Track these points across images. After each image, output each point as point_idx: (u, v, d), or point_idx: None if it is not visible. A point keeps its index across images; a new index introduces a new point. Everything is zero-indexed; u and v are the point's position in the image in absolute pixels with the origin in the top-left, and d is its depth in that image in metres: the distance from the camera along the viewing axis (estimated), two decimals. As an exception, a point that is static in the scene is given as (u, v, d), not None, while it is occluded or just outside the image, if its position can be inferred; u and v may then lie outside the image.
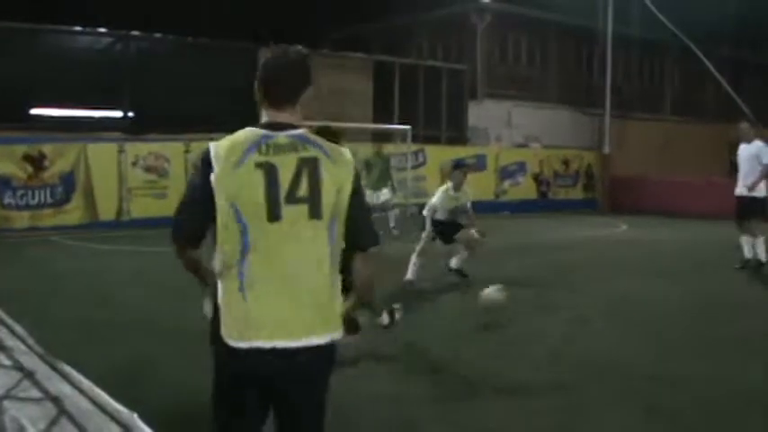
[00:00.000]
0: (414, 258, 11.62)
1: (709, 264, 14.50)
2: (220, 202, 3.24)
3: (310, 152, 3.39)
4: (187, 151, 21.13)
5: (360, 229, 3.47)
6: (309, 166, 3.35)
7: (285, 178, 3.29)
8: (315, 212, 3.30)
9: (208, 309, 3.39)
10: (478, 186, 25.97)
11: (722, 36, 37.34)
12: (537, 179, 29.62)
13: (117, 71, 21.69)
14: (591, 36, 32.31)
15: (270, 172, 3.28)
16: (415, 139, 25.93)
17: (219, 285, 3.28)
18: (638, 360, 7.51)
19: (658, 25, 29.55)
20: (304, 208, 3.30)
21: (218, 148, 3.32)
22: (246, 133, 3.39)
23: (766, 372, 6.97)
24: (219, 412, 3.41)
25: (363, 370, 6.96)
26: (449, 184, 12.04)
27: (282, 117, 3.50)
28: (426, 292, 11.22)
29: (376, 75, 26.60)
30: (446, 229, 11.97)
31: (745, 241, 13.47)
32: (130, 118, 21.96)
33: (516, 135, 31.20)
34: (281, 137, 3.40)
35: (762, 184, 13.19)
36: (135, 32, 22.23)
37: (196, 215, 3.35)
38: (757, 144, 13.32)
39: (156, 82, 21.75)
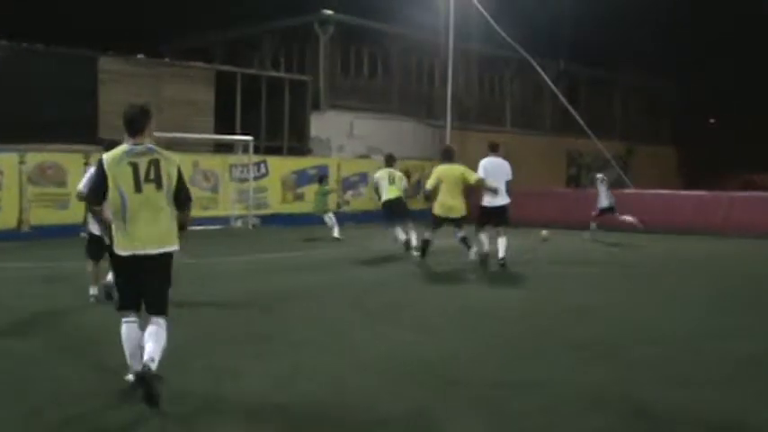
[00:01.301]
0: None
1: (549, 270, 15.16)
2: (110, 184, 6.51)
3: (155, 156, 6.64)
4: (22, 162, 20.69)
5: (180, 195, 6.79)
6: (155, 163, 6.62)
7: (143, 169, 6.57)
8: (159, 186, 6.63)
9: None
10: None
11: (559, 51, 38.88)
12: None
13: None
14: (433, 49, 33.10)
15: (135, 166, 6.56)
16: (256, 150, 26.21)
17: (113, 224, 6.60)
18: (483, 367, 7.73)
19: (498, 39, 30.49)
20: (153, 185, 6.60)
21: (107, 158, 6.58)
22: (122, 148, 6.64)
23: (607, 374, 7.39)
24: (117, 281, 6.94)
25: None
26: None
27: (137, 140, 6.66)
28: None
29: (218, 85, 26.62)
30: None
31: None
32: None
33: (359, 146, 31.68)
34: (139, 148, 6.62)
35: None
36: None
37: (99, 191, 6.60)
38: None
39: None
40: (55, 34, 25.83)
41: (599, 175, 23.33)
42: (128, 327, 6.70)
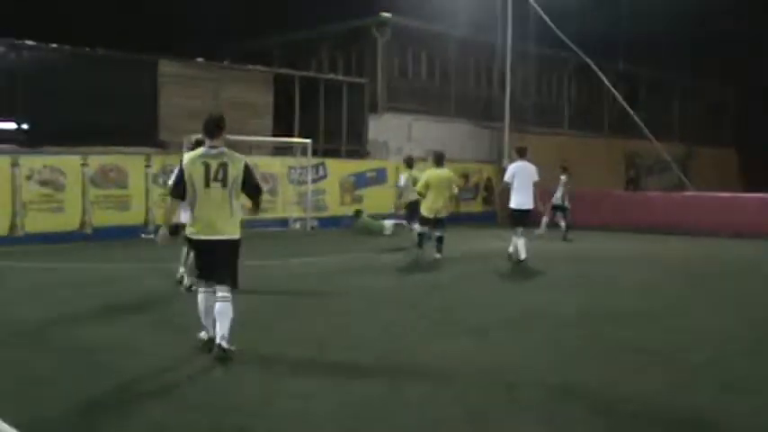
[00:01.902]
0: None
1: (608, 276, 15.07)
2: (186, 180, 8.01)
3: (224, 159, 8.11)
4: (84, 164, 20.95)
5: (249, 189, 8.27)
6: (223, 166, 8.05)
7: (213, 169, 8.00)
8: (224, 185, 8.03)
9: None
10: (379, 200, 26.42)
11: (618, 51, 38.50)
12: (437, 192, 30.00)
13: (10, 81, 21.19)
14: (490, 50, 33.00)
15: (207, 166, 8.00)
16: (315, 153, 26.26)
17: (189, 212, 8.18)
18: (538, 369, 7.72)
19: (556, 40, 30.31)
20: (219, 183, 8.02)
21: (187, 157, 8.18)
22: (200, 150, 8.23)
23: (664, 379, 7.32)
24: (196, 261, 8.53)
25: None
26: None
27: (213, 143, 8.18)
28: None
29: (276, 87, 26.74)
30: None
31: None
32: (24, 130, 21.41)
33: (417, 148, 31.58)
34: (213, 152, 8.13)
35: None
36: (29, 42, 21.85)
37: (181, 186, 8.08)
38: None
39: (53, 93, 21.38)
40: (116, 39, 26.12)
41: (563, 177, 23.59)
42: (203, 295, 8.33)
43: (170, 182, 10.64)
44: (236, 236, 8.19)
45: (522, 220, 16.77)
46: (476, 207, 31.67)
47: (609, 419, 6.12)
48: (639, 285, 13.84)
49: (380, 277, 14.45)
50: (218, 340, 7.94)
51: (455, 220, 29.27)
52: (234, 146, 23.51)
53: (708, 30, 41.57)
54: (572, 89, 40.33)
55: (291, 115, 27.25)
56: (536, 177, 16.78)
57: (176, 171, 8.21)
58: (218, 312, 8.00)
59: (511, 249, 16.77)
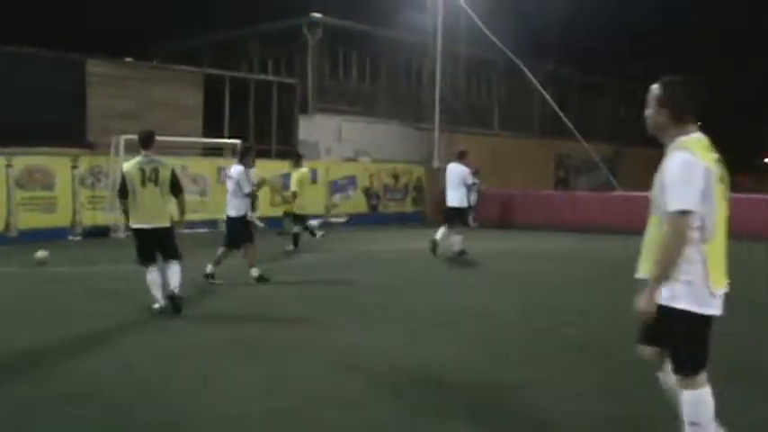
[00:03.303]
0: None
1: (535, 273, 15.34)
2: (128, 182, 10.29)
3: (156, 165, 10.34)
4: (9, 165, 20.69)
5: (174, 190, 10.51)
6: (155, 170, 10.30)
7: (147, 173, 10.24)
8: (155, 183, 10.28)
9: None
10: (310, 200, 26.48)
11: (548, 53, 39.09)
12: (367, 193, 30.31)
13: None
14: (421, 51, 33.30)
15: (142, 170, 10.25)
16: (245, 154, 26.17)
17: (131, 207, 10.40)
18: (474, 369, 7.79)
19: (486, 41, 30.67)
20: (152, 183, 10.26)
21: (127, 165, 10.46)
22: (138, 158, 10.35)
23: (603, 374, 7.56)
24: (139, 248, 10.56)
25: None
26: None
27: (146, 153, 10.39)
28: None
29: (206, 88, 26.74)
30: None
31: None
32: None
33: (347, 149, 31.84)
34: (146, 159, 10.32)
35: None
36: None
37: (124, 188, 10.35)
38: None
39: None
40: (43, 38, 25.90)
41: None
42: (151, 274, 10.44)
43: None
44: (168, 224, 10.60)
45: (449, 216, 18.09)
46: (406, 207, 31.93)
47: (546, 417, 6.29)
48: (574, 283, 14.10)
49: (306, 277, 14.51)
50: (172, 287, 10.34)
51: (385, 220, 29.64)
52: (163, 147, 23.58)
53: (635, 31, 42.40)
54: (502, 90, 40.83)
55: (221, 116, 27.28)
56: (467, 181, 18.26)
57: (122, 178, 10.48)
58: (173, 272, 10.40)
59: (437, 236, 17.85)
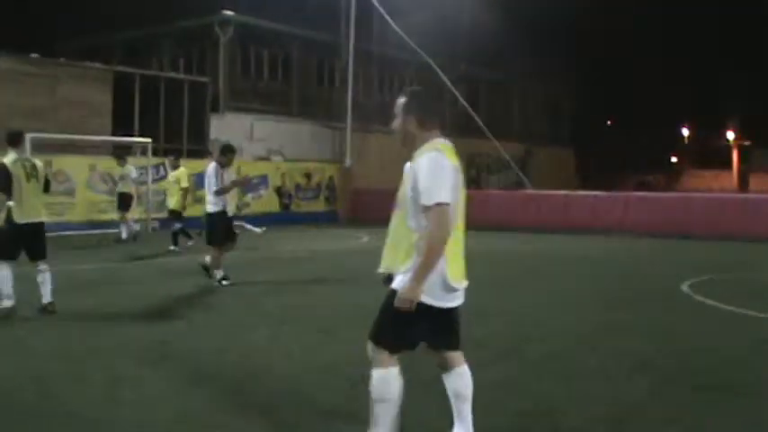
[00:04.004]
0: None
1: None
2: (14, 178, 10.14)
3: (32, 161, 10.70)
4: None
5: (46, 186, 10.85)
6: (33, 166, 10.54)
7: (28, 169, 10.37)
8: (36, 179, 10.45)
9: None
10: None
11: (460, 53, 39.52)
12: (279, 192, 30.38)
13: None
14: (333, 50, 33.48)
15: (24, 167, 10.36)
16: (155, 153, 26.07)
17: (17, 203, 10.15)
18: None
19: (399, 41, 30.95)
20: (34, 179, 10.41)
21: (8, 161, 10.19)
22: (14, 156, 10.37)
23: (505, 372, 7.71)
24: (9, 243, 10.18)
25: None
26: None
27: (18, 150, 10.58)
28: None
29: (116, 86, 26.52)
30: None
31: None
32: None
33: (258, 148, 31.83)
34: (23, 156, 10.79)
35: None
36: None
37: (6, 183, 10.10)
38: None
39: None
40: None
41: None
42: (5, 270, 10.24)
43: None
44: (45, 218, 10.94)
45: None
46: (318, 206, 32.07)
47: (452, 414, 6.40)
48: (485, 281, 14.32)
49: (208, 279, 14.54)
50: (49, 300, 10.43)
51: (297, 219, 29.73)
52: (71, 146, 23.34)
53: (545, 32, 43.06)
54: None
55: (131, 114, 27.08)
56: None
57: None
58: (45, 280, 10.47)
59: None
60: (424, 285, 4.90)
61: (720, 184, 68.49)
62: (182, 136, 28.85)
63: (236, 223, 23.60)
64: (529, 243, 21.68)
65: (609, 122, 69.47)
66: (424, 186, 4.83)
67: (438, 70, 32.20)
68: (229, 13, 31.22)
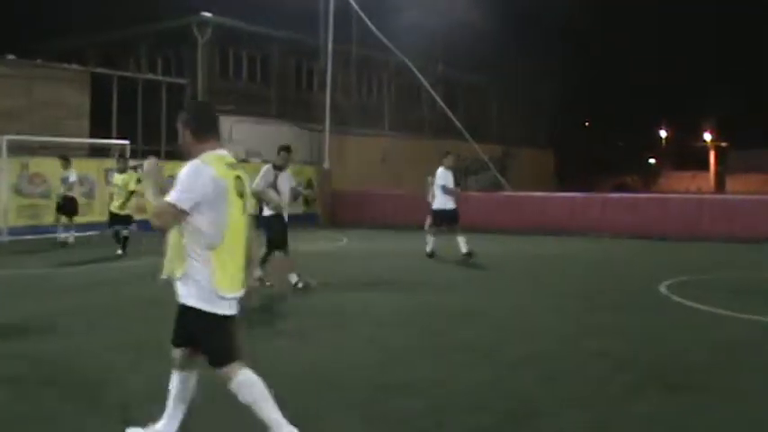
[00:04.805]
0: None
1: (429, 273, 15.63)
2: None
3: None
4: None
5: None
6: None
7: None
8: None
9: None
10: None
11: (438, 54, 39.64)
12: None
13: None
14: (312, 51, 33.48)
15: None
16: (133, 154, 25.97)
17: None
18: (362, 369, 7.83)
19: (377, 42, 30.99)
20: None
21: None
22: None
23: (490, 374, 7.78)
24: None
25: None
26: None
27: None
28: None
29: (93, 87, 26.50)
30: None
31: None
32: None
33: (237, 150, 31.73)
34: None
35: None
36: None
37: None
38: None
39: None
40: None
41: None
42: None
43: None
44: None
45: (439, 219, 18.30)
46: (297, 208, 32.02)
47: (437, 415, 6.44)
48: (468, 283, 14.40)
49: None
50: None
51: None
52: (48, 147, 23.25)
53: (523, 34, 43.26)
54: (393, 91, 41.25)
55: (109, 116, 27.04)
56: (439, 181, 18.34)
57: None
58: None
59: (463, 248, 17.54)
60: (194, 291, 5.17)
61: (697, 186, 68.97)
62: (160, 137, 28.81)
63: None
64: (508, 245, 21.76)
65: (587, 124, 69.71)
66: (174, 187, 5.03)
67: (416, 72, 32.28)
68: (208, 14, 31.21)
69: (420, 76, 32.58)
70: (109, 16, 31.96)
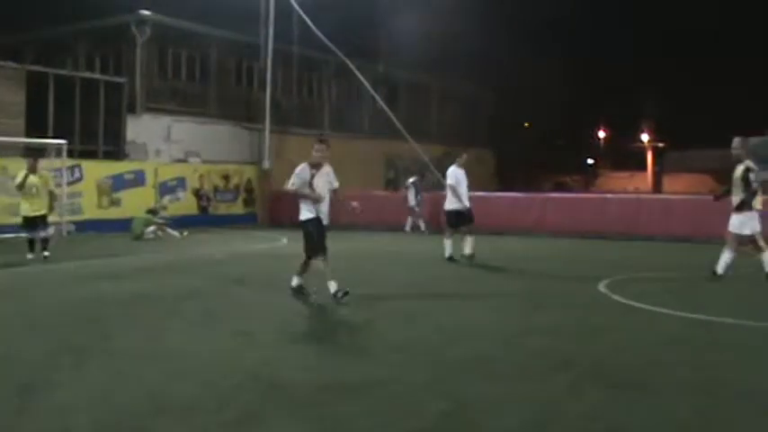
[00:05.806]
0: None
1: (371, 274, 15.70)
2: None
3: None
4: None
5: None
6: None
7: None
8: None
9: None
10: (138, 202, 26.35)
11: (378, 54, 39.79)
12: (197, 194, 30.29)
13: None
14: (252, 51, 33.43)
15: None
16: (70, 154, 25.86)
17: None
18: (306, 371, 7.82)
19: (318, 42, 31.00)
20: None
21: None
22: None
23: (430, 373, 7.81)
24: None
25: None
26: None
27: None
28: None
29: (29, 86, 26.17)
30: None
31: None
32: None
33: (176, 150, 31.69)
34: None
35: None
36: None
37: None
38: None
39: None
40: None
41: (409, 180, 25.86)
42: None
43: None
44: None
45: (452, 220, 18.28)
46: (237, 209, 32.03)
47: (376, 417, 6.50)
48: (408, 285, 14.46)
49: (129, 282, 14.46)
50: None
51: (216, 222, 29.64)
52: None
53: (463, 35, 43.57)
54: (333, 91, 41.31)
55: (45, 115, 26.72)
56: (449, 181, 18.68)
57: None
58: None
59: (468, 249, 17.60)
60: None
61: (635, 185, 69.85)
62: (98, 137, 28.58)
63: (156, 226, 23.86)
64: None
65: (526, 124, 70.31)
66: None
67: (356, 71, 32.34)
68: (146, 12, 31.01)
69: (360, 75, 32.64)
70: (46, 13, 31.62)
